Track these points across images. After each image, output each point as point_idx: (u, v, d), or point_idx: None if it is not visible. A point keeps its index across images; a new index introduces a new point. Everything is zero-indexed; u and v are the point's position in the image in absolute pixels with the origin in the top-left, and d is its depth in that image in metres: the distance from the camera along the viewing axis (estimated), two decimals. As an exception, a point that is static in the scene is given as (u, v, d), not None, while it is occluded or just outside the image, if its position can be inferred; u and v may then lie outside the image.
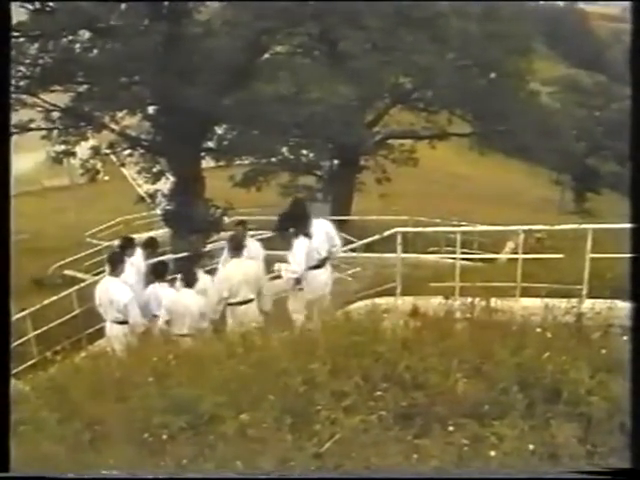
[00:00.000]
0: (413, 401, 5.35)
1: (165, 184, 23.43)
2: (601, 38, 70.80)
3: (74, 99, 21.12)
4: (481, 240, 19.10)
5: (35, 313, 13.67)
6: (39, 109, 21.26)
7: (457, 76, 25.82)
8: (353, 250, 13.86)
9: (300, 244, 9.06)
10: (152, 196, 23.92)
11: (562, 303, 6.87)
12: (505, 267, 12.07)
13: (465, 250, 12.44)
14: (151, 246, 12.01)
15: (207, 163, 23.81)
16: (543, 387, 5.36)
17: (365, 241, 12.25)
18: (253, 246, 11.08)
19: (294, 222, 9.29)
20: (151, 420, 5.49)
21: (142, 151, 23.15)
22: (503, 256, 15.12)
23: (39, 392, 6.58)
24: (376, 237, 10.93)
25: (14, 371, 7.55)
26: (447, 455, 4.84)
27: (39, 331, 13.47)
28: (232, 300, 9.35)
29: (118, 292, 9.71)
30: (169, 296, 9.82)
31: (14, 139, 15.90)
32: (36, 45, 19.55)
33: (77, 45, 20.21)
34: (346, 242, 16.42)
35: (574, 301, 7.03)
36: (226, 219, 22.66)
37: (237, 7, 21.96)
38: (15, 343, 11.48)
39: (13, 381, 5.90)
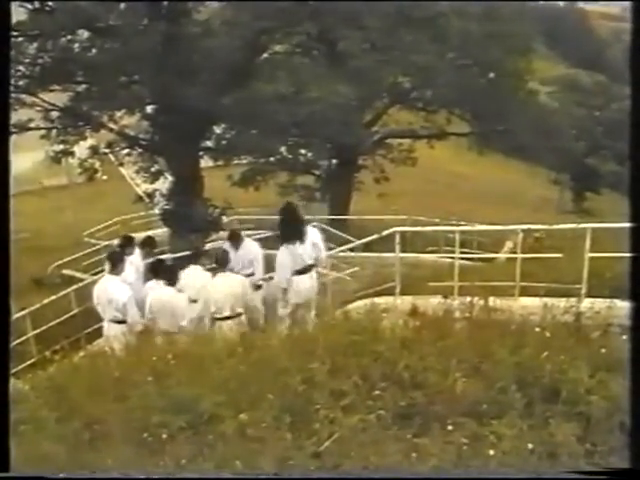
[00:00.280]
0: (412, 400, 5.35)
1: (163, 183, 23.42)
2: (601, 37, 70.81)
3: (73, 99, 21.10)
4: (480, 239, 19.09)
5: (34, 312, 13.67)
6: (38, 109, 21.25)
7: (456, 76, 25.80)
8: (352, 250, 13.86)
9: (284, 253, 9.26)
10: (150, 195, 23.91)
11: (561, 302, 6.88)
12: (504, 266, 12.07)
13: (464, 249, 12.42)
14: (149, 245, 12.04)
15: (206, 162, 23.79)
16: (542, 386, 5.36)
17: (364, 241, 12.25)
18: (251, 246, 11.09)
19: (287, 225, 9.44)
20: (150, 419, 5.49)
21: (140, 150, 23.13)
22: (502, 255, 15.11)
23: (38, 391, 6.58)
24: (375, 237, 10.92)
25: (13, 370, 7.55)
26: (446, 454, 4.84)
27: (38, 330, 13.46)
28: (218, 315, 9.37)
29: (117, 291, 9.72)
30: (154, 294, 9.88)
31: (13, 138, 15.88)
32: (35, 44, 19.55)
33: (76, 45, 20.20)
34: (345, 242, 16.49)
35: (573, 300, 7.04)
36: (225, 218, 22.69)
37: (236, 7, 21.95)
38: (14, 342, 11.47)
39: (12, 380, 5.89)
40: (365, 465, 4.82)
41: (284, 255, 9.32)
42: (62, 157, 23.30)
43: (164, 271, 10.28)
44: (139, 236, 13.14)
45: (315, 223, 19.21)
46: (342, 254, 13.58)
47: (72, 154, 23.41)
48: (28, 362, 11.79)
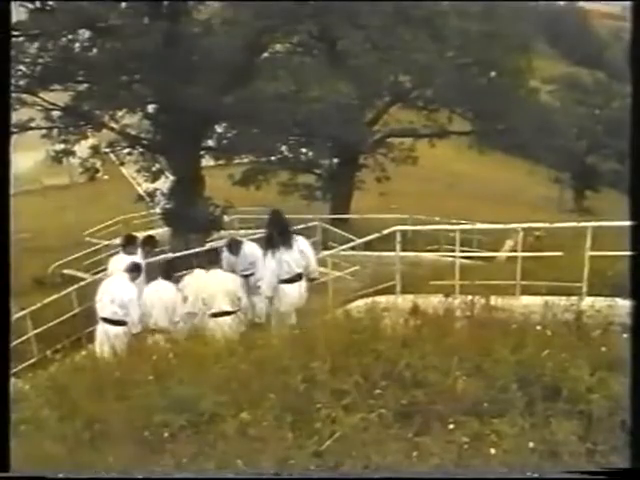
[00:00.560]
0: (413, 399, 5.35)
1: (164, 183, 23.40)
2: (601, 36, 70.74)
3: (74, 98, 21.08)
4: (481, 238, 19.11)
5: (35, 312, 13.67)
6: (39, 108, 21.23)
7: (457, 74, 25.80)
8: (353, 248, 13.87)
9: (269, 260, 9.36)
10: (151, 195, 23.89)
11: (562, 301, 6.89)
12: (505, 265, 12.07)
13: (465, 248, 12.44)
14: (150, 244, 12.08)
15: (207, 162, 23.79)
16: (543, 385, 5.37)
17: (365, 239, 12.25)
18: (251, 248, 11.08)
19: (272, 232, 9.50)
20: (152, 419, 5.50)
21: (142, 150, 23.11)
22: (503, 254, 15.10)
23: (39, 391, 6.58)
24: (375, 235, 10.93)
25: (14, 370, 7.56)
26: (447, 453, 4.85)
27: (39, 330, 13.47)
28: (208, 311, 9.39)
29: (123, 288, 9.79)
30: (150, 288, 9.95)
31: (14, 138, 15.90)
32: (36, 44, 19.51)
33: (77, 44, 20.18)
34: (345, 240, 16.50)
35: (574, 299, 7.05)
36: (226, 218, 22.68)
37: (237, 6, 21.93)
38: (15, 342, 11.47)
39: (13, 380, 5.90)
40: (366, 464, 4.83)
41: (269, 262, 9.38)
42: (63, 157, 23.28)
43: (162, 267, 10.38)
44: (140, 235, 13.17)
45: (316, 223, 19.31)
46: (343, 253, 13.59)
47: (73, 154, 23.39)
48: (29, 362, 11.82)
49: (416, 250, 16.51)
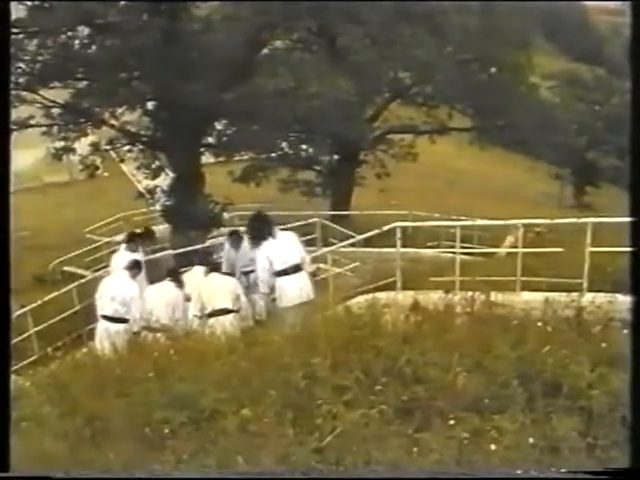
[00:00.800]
0: (414, 395, 5.36)
1: (164, 180, 23.38)
2: (601, 32, 70.66)
3: (73, 95, 21.05)
4: (481, 234, 19.07)
5: (36, 309, 13.68)
6: (38, 105, 21.21)
7: (457, 71, 25.76)
8: (353, 245, 13.86)
9: (260, 259, 9.34)
10: (151, 192, 23.87)
11: (562, 297, 6.89)
12: (505, 261, 12.05)
13: (465, 244, 12.43)
14: (148, 238, 12.11)
15: (207, 159, 23.77)
16: (543, 381, 5.37)
17: (365, 236, 12.24)
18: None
19: (258, 232, 9.51)
20: (152, 415, 5.50)
21: (141, 147, 23.10)
22: (503, 250, 15.10)
23: (40, 388, 6.59)
24: (376, 232, 10.92)
25: (15, 367, 7.57)
26: (448, 449, 4.85)
27: (40, 327, 13.48)
28: (207, 310, 9.41)
29: (124, 286, 9.81)
30: (152, 286, 9.99)
31: (13, 135, 15.88)
32: (35, 41, 19.49)
33: (76, 41, 20.15)
34: (346, 237, 16.48)
35: (574, 295, 7.05)
36: (226, 215, 22.67)
37: (236, 2, 21.90)
38: (16, 339, 11.48)
39: (14, 377, 5.91)
40: (367, 460, 4.83)
41: (260, 259, 9.38)
42: (63, 154, 23.27)
43: (170, 270, 10.43)
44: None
45: (316, 219, 19.30)
46: (343, 249, 13.58)
47: (73, 151, 23.39)
48: (30, 359, 11.84)
49: (416, 246, 16.50)
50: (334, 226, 20.85)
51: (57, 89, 21.10)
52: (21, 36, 18.72)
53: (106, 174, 30.01)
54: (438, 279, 9.25)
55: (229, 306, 9.43)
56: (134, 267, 10.17)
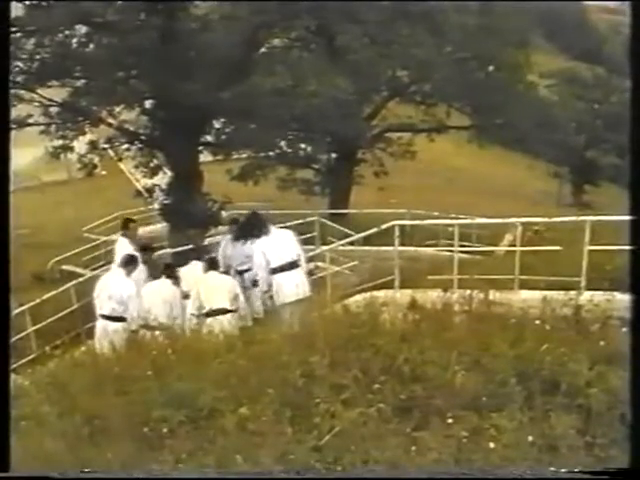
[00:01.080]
0: (412, 394, 5.36)
1: (163, 178, 23.37)
2: (600, 30, 70.66)
3: (71, 94, 21.05)
4: (479, 233, 19.08)
5: (34, 308, 13.67)
6: (37, 104, 21.19)
7: (455, 69, 25.74)
8: (351, 243, 13.86)
9: (257, 256, 9.41)
10: (150, 190, 23.86)
11: (561, 295, 6.89)
12: (503, 260, 12.06)
13: (463, 243, 12.42)
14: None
15: (205, 157, 23.76)
16: (542, 379, 5.37)
17: (363, 234, 12.24)
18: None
19: (251, 231, 9.54)
20: (151, 414, 5.50)
21: (140, 145, 23.08)
22: (501, 249, 15.10)
23: (39, 387, 6.58)
24: (374, 230, 10.92)
25: (14, 366, 7.56)
26: (446, 448, 4.85)
27: (38, 326, 13.47)
28: (204, 310, 9.42)
29: (121, 285, 9.79)
30: (150, 285, 9.98)
31: (12, 134, 15.85)
32: (33, 40, 19.48)
33: (74, 40, 20.15)
34: (344, 235, 16.48)
35: (573, 293, 7.05)
36: (224, 213, 22.66)
37: (234, 1, 21.89)
38: (14, 338, 11.47)
39: (13, 376, 5.90)
40: (365, 459, 4.83)
41: (256, 256, 9.42)
42: (61, 152, 23.23)
43: (165, 268, 10.41)
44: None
45: (314, 218, 19.29)
46: (341, 248, 13.58)
47: (71, 149, 23.36)
48: (28, 358, 11.83)
49: (415, 245, 16.53)
50: (333, 225, 20.85)
51: (55, 88, 21.09)
52: (19, 35, 18.70)
53: (104, 173, 30.01)
54: (436, 277, 9.25)
55: (227, 306, 9.43)
56: (129, 263, 10.11)
